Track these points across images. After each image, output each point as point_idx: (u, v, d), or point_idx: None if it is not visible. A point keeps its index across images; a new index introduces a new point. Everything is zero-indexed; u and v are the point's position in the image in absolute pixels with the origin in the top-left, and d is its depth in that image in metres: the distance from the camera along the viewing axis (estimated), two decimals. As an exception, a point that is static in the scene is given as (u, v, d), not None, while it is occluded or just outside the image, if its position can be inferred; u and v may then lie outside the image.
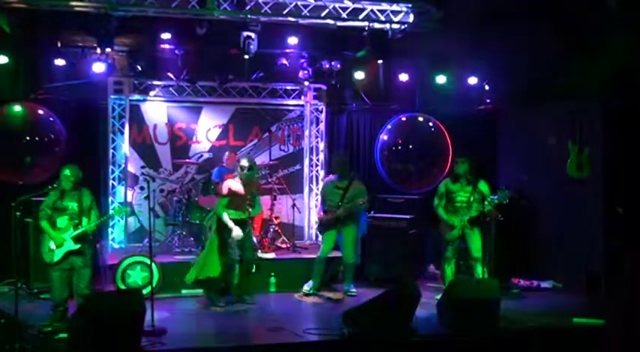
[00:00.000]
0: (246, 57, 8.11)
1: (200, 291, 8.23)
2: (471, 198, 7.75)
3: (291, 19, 8.09)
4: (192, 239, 9.16)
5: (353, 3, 8.09)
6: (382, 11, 8.30)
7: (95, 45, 8.16)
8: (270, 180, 9.98)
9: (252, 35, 7.93)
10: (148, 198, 7.99)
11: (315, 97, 10.53)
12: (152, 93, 9.94)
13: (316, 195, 10.54)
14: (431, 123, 10.29)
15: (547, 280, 8.95)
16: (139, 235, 9.72)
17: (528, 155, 9.78)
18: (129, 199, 9.67)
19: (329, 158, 10.54)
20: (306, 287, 8.33)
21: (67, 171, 6.72)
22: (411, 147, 10.32)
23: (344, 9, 8.14)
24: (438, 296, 7.52)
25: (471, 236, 7.79)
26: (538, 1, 7.95)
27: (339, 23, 8.27)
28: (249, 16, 7.89)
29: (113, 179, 9.68)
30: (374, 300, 6.55)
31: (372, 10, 8.25)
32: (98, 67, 8.55)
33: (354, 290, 8.34)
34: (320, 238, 10.29)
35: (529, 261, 9.27)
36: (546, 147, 9.36)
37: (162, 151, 10.14)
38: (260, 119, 10.45)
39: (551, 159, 9.13)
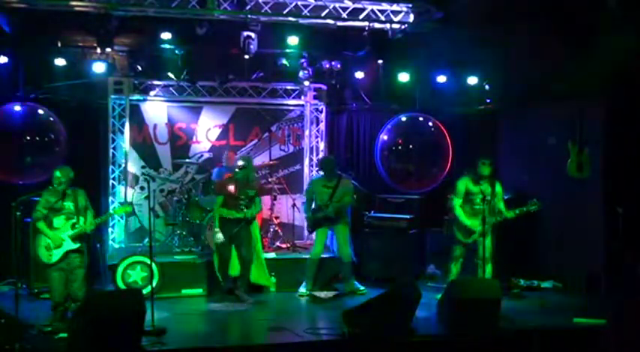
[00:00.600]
0: (246, 57, 8.11)
1: (200, 291, 8.25)
2: (492, 201, 7.67)
3: (291, 19, 8.10)
4: (192, 239, 9.15)
5: (353, 3, 8.10)
6: (382, 11, 8.31)
7: (95, 45, 8.17)
8: (270, 179, 9.99)
9: (252, 35, 7.93)
10: (148, 198, 7.99)
11: (315, 97, 10.52)
12: (152, 93, 9.94)
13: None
14: (431, 123, 10.28)
15: (547, 280, 8.94)
16: (139, 235, 9.72)
17: (528, 155, 9.78)
18: (129, 199, 9.66)
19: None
20: (302, 289, 8.34)
21: (57, 173, 6.73)
22: (411, 147, 10.32)
23: (344, 9, 8.14)
24: (439, 296, 7.54)
25: (482, 237, 7.76)
26: (538, 0, 7.95)
27: (339, 23, 8.28)
28: (249, 16, 7.89)
29: (113, 179, 9.68)
30: (374, 300, 6.55)
31: (372, 10, 8.26)
32: (98, 67, 8.55)
33: (362, 287, 8.35)
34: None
35: (529, 261, 9.26)
36: (546, 147, 9.35)
37: (162, 151, 10.14)
38: (260, 119, 10.44)
39: (551, 159, 9.13)
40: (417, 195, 9.82)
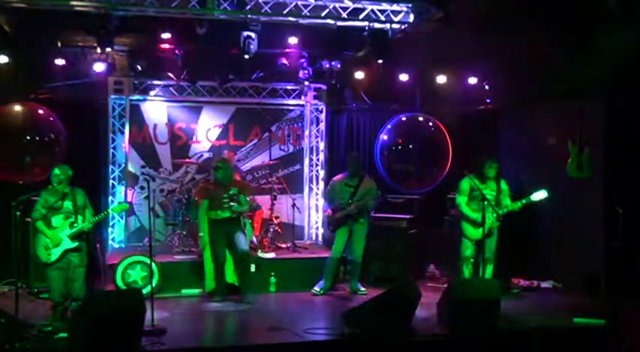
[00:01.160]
0: (246, 57, 8.09)
1: (200, 291, 8.25)
2: (499, 197, 7.71)
3: (291, 19, 8.09)
4: (192, 239, 9.15)
5: (353, 3, 8.09)
6: (382, 11, 8.30)
7: (95, 45, 8.15)
8: (270, 179, 9.99)
9: (253, 35, 7.92)
10: (148, 197, 7.99)
11: (315, 97, 10.53)
12: (152, 93, 9.94)
13: (316, 194, 10.55)
14: (431, 123, 10.28)
15: (547, 280, 8.95)
16: (139, 235, 9.73)
17: (528, 155, 9.78)
18: (129, 199, 9.66)
19: (329, 157, 10.56)
20: (316, 288, 8.32)
21: (56, 170, 6.75)
22: (411, 147, 10.32)
23: (344, 9, 8.14)
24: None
25: (490, 235, 7.75)
26: (538, 0, 7.94)
27: (339, 23, 8.26)
28: (249, 15, 7.88)
29: (113, 179, 9.69)
30: (374, 300, 6.56)
31: (372, 10, 8.25)
32: (98, 67, 8.55)
33: (363, 288, 8.35)
34: (320, 238, 10.37)
35: (529, 261, 9.27)
36: (546, 147, 9.35)
37: (162, 151, 10.14)
38: (260, 119, 10.45)
39: (551, 159, 9.13)
40: (417, 195, 9.81)
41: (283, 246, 9.62)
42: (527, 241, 9.36)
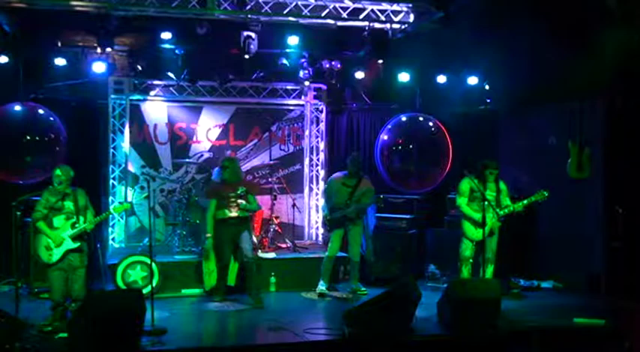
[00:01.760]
0: (247, 57, 8.10)
1: (200, 291, 8.25)
2: (499, 198, 7.72)
3: (291, 19, 8.10)
4: (192, 239, 9.15)
5: (353, 3, 8.09)
6: (382, 11, 8.30)
7: (95, 44, 8.17)
8: (270, 179, 9.99)
9: (253, 35, 7.93)
10: (148, 197, 7.99)
11: (315, 97, 10.54)
12: (152, 92, 9.95)
13: (317, 194, 10.55)
14: (431, 123, 10.28)
15: (547, 280, 8.95)
16: (139, 235, 9.73)
17: (528, 155, 9.78)
18: (129, 199, 9.67)
19: (329, 157, 10.56)
20: (322, 287, 8.31)
21: (57, 171, 6.74)
22: (411, 147, 10.31)
23: (344, 9, 8.14)
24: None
25: (491, 235, 7.75)
26: (538, 0, 7.95)
27: (340, 23, 8.27)
28: (249, 15, 7.89)
29: (113, 179, 9.69)
30: (374, 300, 6.56)
31: (372, 10, 8.25)
32: (98, 67, 8.55)
33: (363, 288, 8.35)
34: (320, 238, 10.37)
35: (529, 261, 9.27)
36: (546, 147, 9.35)
37: (162, 151, 10.14)
38: (260, 119, 10.45)
39: (551, 159, 9.13)
40: (417, 195, 9.81)
41: (283, 246, 9.62)
42: (527, 241, 9.36)
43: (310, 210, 10.57)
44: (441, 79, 9.73)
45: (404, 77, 9.58)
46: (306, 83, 10.01)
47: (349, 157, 8.69)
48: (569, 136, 8.61)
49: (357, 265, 8.40)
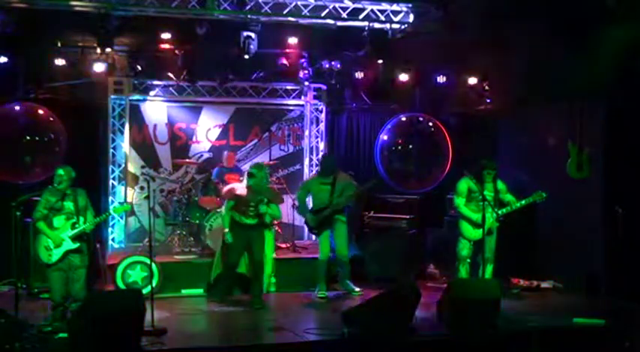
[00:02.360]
0: (246, 57, 8.11)
1: (200, 291, 8.25)
2: (497, 198, 7.72)
3: (291, 19, 8.10)
4: (192, 239, 9.15)
5: (353, 3, 8.10)
6: (382, 11, 8.31)
7: (95, 45, 8.16)
8: (270, 179, 9.97)
9: (252, 35, 7.94)
10: (147, 198, 7.99)
11: (315, 97, 10.53)
12: (152, 93, 9.95)
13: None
14: (431, 123, 10.28)
15: (547, 280, 8.94)
16: (139, 235, 9.73)
17: (528, 155, 9.78)
18: (129, 199, 9.67)
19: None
20: (321, 292, 8.24)
21: (60, 171, 6.73)
22: (411, 147, 10.31)
23: (344, 9, 8.15)
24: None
25: (490, 234, 7.75)
26: (538, 0, 7.95)
27: (339, 23, 8.28)
28: (249, 16, 7.90)
29: (113, 179, 9.69)
30: (374, 300, 6.56)
31: (372, 10, 8.26)
32: (98, 67, 8.55)
33: (357, 289, 8.31)
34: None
35: (529, 261, 9.26)
36: (546, 147, 9.35)
37: (162, 151, 10.15)
38: (260, 119, 10.45)
39: (551, 159, 9.13)
40: (417, 195, 9.81)
41: (283, 246, 9.61)
42: (527, 241, 9.35)
43: (310, 210, 10.56)
44: (441, 79, 9.73)
45: (404, 77, 9.59)
46: (306, 83, 10.01)
47: (323, 158, 8.66)
48: (569, 136, 8.61)
49: (346, 265, 8.35)
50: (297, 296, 8.30)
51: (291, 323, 6.87)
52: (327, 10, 8.07)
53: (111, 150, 9.67)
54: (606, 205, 8.40)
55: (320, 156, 10.28)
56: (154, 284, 7.44)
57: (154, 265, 7.75)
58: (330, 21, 8.20)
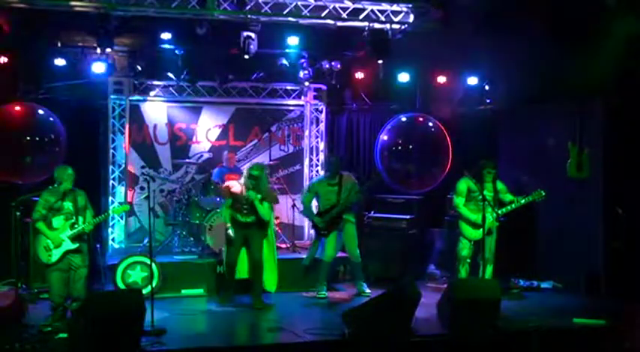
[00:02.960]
0: (246, 57, 8.10)
1: (200, 291, 8.25)
2: (496, 198, 7.72)
3: (291, 19, 8.09)
4: (192, 239, 9.15)
5: (353, 3, 8.09)
6: (382, 11, 8.30)
7: (95, 45, 8.16)
8: (270, 180, 9.98)
9: (252, 35, 7.93)
10: (148, 198, 7.99)
11: (315, 97, 10.54)
12: (152, 93, 9.94)
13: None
14: (431, 123, 10.28)
15: (547, 280, 8.94)
16: (139, 235, 9.73)
17: (528, 155, 9.78)
18: (129, 199, 9.67)
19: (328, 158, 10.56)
20: (323, 292, 8.26)
21: (70, 170, 6.74)
22: (411, 147, 10.31)
23: (344, 9, 8.14)
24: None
25: (488, 236, 7.75)
26: (538, 0, 7.95)
27: (339, 23, 8.27)
28: (249, 16, 7.89)
29: (113, 179, 9.68)
30: (374, 300, 6.56)
31: (372, 10, 8.25)
32: (98, 67, 8.55)
33: (368, 290, 8.31)
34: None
35: (529, 261, 9.27)
36: (546, 147, 9.35)
37: (162, 151, 10.15)
38: (260, 119, 10.45)
39: (551, 159, 9.13)
40: (417, 195, 9.81)
41: (283, 246, 9.61)
42: (527, 241, 9.36)
43: (310, 211, 10.56)
44: (441, 79, 9.73)
45: (404, 77, 9.58)
46: (306, 83, 10.01)
47: (328, 160, 8.66)
48: (569, 136, 8.61)
49: (359, 266, 8.37)
50: (297, 296, 8.30)
51: (291, 323, 6.87)
52: (327, 11, 8.06)
53: (111, 151, 9.67)
54: (606, 205, 8.41)
55: (323, 156, 10.30)
56: (153, 285, 7.45)
57: (154, 265, 7.75)
58: (330, 21, 8.19)
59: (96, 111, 9.61)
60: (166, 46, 8.87)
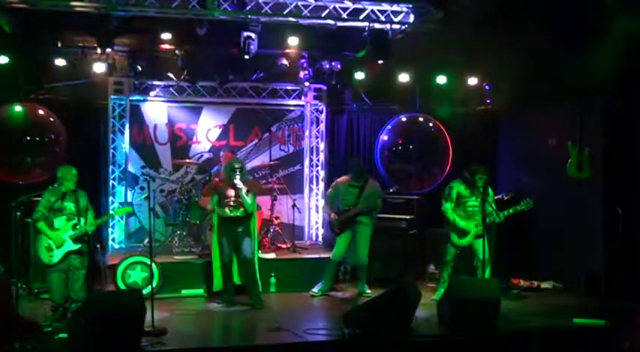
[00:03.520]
0: (247, 57, 8.10)
1: (200, 291, 8.25)
2: (486, 204, 7.69)
3: (291, 19, 8.09)
4: (192, 239, 9.15)
5: (353, 3, 8.09)
6: (382, 11, 8.31)
7: (95, 45, 8.16)
8: (270, 180, 9.99)
9: (253, 35, 7.93)
10: (148, 198, 7.99)
11: (315, 97, 10.53)
12: (152, 93, 9.94)
13: (317, 195, 10.54)
14: (431, 124, 10.28)
15: (547, 280, 8.95)
16: (139, 235, 9.73)
17: (528, 155, 9.78)
18: (129, 199, 9.66)
19: (330, 159, 10.56)
20: (315, 290, 8.31)
21: (74, 171, 6.74)
22: (411, 147, 10.31)
23: (344, 9, 8.14)
24: (435, 297, 7.58)
25: (478, 239, 7.73)
26: (538, 0, 7.95)
27: (339, 23, 8.27)
28: (249, 16, 7.89)
29: (113, 179, 9.68)
30: (374, 300, 6.57)
31: (372, 11, 8.25)
32: (98, 67, 8.55)
33: (369, 291, 8.32)
34: (320, 239, 10.36)
35: (529, 261, 9.27)
36: (546, 148, 9.35)
37: (162, 151, 10.15)
38: (260, 119, 10.45)
39: (551, 160, 9.13)
40: (417, 195, 9.81)
41: (283, 246, 9.61)
42: (527, 241, 9.36)
43: (310, 211, 10.56)
44: (441, 79, 9.73)
45: (404, 77, 9.58)
46: (306, 84, 10.01)
47: (349, 161, 8.68)
48: (569, 136, 8.61)
49: (365, 268, 8.37)
50: (297, 296, 8.30)
51: (291, 323, 6.87)
52: (327, 11, 8.07)
53: (111, 151, 9.67)
54: (606, 205, 8.41)
55: (323, 156, 10.32)
56: (154, 285, 7.45)
57: (154, 265, 7.75)
58: (330, 21, 8.19)
59: (96, 111, 9.61)
60: (166, 46, 8.87)
